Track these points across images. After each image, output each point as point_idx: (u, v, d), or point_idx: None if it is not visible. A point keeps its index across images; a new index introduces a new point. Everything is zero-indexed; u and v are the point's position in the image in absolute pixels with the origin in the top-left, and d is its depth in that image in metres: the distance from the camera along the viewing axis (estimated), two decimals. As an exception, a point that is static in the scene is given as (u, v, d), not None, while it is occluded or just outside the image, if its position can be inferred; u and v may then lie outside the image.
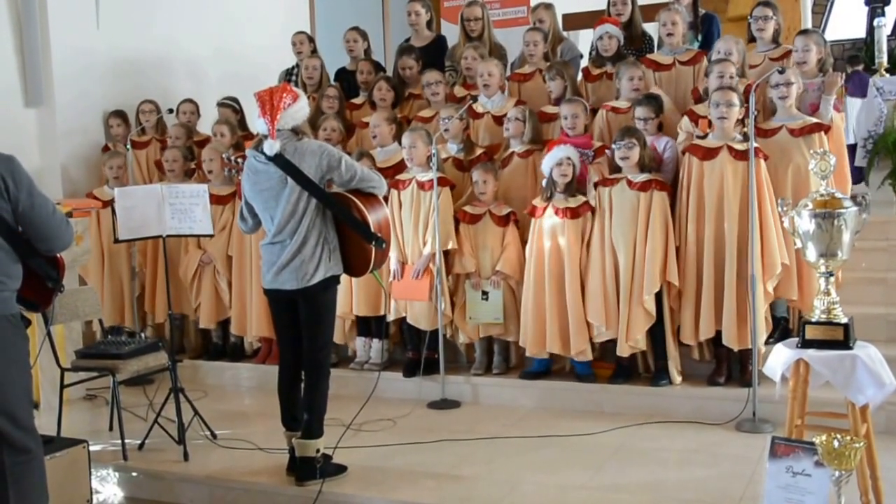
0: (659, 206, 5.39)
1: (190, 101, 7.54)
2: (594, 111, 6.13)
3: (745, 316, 5.19)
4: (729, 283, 5.24)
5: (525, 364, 5.92)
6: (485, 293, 5.85)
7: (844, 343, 3.75)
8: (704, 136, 5.44)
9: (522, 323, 5.73)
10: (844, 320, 3.79)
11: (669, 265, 5.37)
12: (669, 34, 6.13)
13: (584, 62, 6.93)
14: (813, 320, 3.83)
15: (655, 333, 5.51)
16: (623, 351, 5.49)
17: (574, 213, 5.59)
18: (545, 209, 5.65)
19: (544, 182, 5.71)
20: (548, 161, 5.62)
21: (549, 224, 5.64)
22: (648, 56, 6.36)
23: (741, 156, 5.19)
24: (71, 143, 7.47)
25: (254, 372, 6.63)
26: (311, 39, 7.78)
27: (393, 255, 5.84)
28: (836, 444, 3.27)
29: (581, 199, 5.62)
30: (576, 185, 5.66)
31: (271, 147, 4.28)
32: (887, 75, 7.32)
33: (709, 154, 5.32)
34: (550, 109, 6.29)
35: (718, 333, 5.35)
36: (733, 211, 5.23)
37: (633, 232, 5.41)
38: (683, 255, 5.41)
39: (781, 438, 3.61)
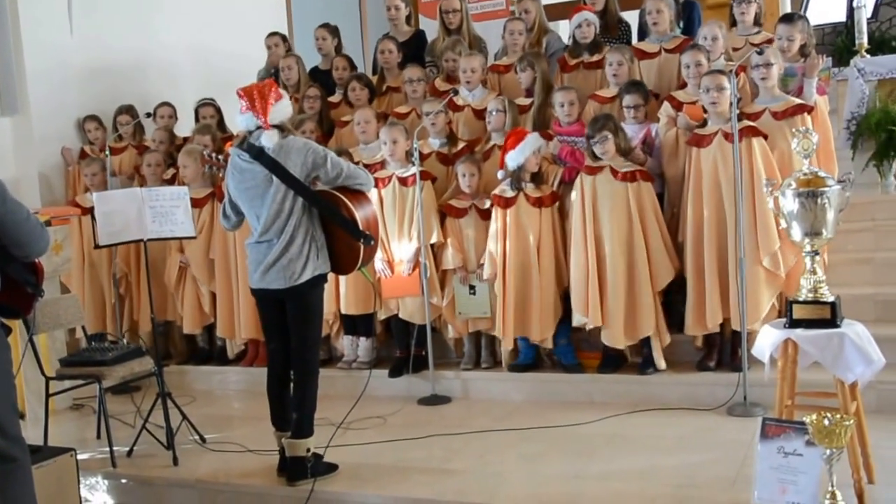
0: (648, 196, 5.37)
1: (167, 104, 7.46)
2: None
3: (751, 299, 5.12)
4: (733, 267, 5.17)
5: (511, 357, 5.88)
6: (472, 287, 5.82)
7: (832, 321, 3.74)
8: (703, 125, 5.38)
9: (499, 313, 5.65)
10: (831, 299, 3.77)
11: (672, 254, 5.37)
12: (655, 23, 6.09)
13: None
14: (800, 300, 3.82)
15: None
16: (618, 342, 5.41)
17: (550, 200, 5.62)
18: (515, 199, 5.61)
19: (500, 174, 5.67)
20: (523, 150, 5.53)
21: (524, 213, 5.60)
22: (635, 45, 6.31)
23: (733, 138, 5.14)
24: (48, 151, 7.42)
25: (241, 375, 6.57)
26: (286, 39, 7.72)
27: (377, 254, 5.77)
28: (826, 422, 3.26)
29: (547, 188, 5.66)
30: (542, 176, 5.67)
31: (270, 138, 4.24)
32: (868, 56, 7.30)
33: (703, 140, 5.30)
34: (521, 101, 6.20)
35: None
36: (731, 194, 5.16)
37: (626, 224, 5.35)
38: (685, 245, 5.37)
39: (772, 419, 3.60)
